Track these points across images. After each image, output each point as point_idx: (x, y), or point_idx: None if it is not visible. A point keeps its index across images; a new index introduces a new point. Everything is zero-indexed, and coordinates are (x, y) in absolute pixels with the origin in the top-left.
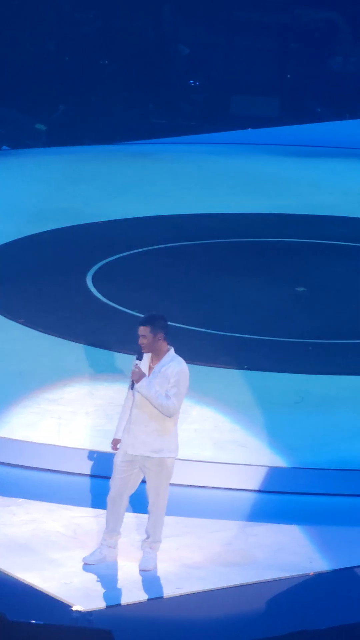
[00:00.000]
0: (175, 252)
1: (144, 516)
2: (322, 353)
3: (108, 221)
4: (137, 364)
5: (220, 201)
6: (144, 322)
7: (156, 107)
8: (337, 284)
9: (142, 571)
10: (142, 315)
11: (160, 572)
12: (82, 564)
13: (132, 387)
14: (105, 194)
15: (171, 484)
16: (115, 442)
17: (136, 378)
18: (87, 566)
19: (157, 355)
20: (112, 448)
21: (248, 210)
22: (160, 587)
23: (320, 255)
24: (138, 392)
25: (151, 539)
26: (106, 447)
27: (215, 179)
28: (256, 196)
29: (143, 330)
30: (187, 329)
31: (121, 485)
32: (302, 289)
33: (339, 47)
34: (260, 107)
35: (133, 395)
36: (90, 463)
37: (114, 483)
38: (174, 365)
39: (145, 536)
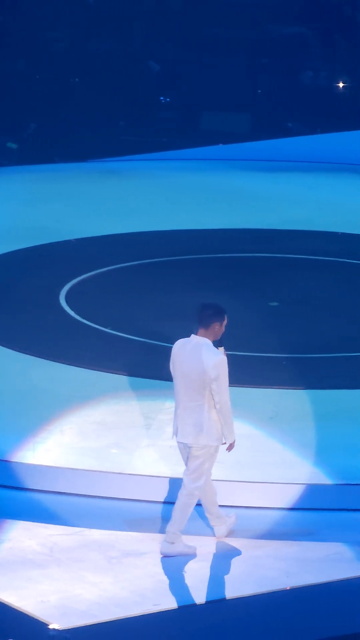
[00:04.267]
0: (147, 268)
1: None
2: (296, 367)
3: (80, 239)
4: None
5: (192, 217)
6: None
7: (127, 125)
8: (310, 298)
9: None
10: (210, 307)
11: (137, 588)
12: (59, 582)
13: None
14: (77, 212)
15: (149, 502)
16: None
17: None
18: (64, 584)
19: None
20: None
21: (220, 226)
22: (137, 604)
23: (293, 270)
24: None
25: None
26: (81, 465)
27: (186, 196)
28: (228, 212)
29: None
30: (161, 345)
31: None
32: (275, 303)
33: (310, 62)
34: (231, 123)
35: None
36: (66, 481)
37: None
38: None
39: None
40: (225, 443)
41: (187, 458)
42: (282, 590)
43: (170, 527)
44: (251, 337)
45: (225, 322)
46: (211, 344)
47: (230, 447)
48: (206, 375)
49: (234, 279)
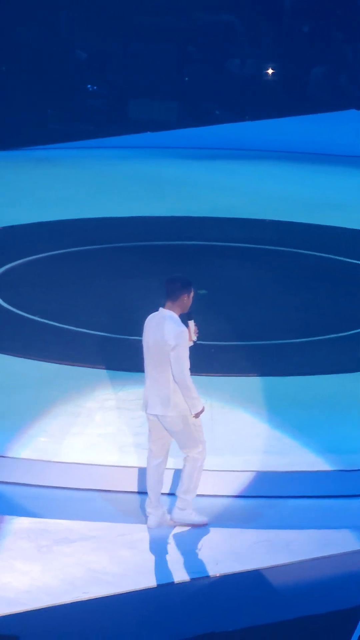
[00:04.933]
0: (77, 256)
1: None
2: (225, 355)
3: (8, 227)
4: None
5: (120, 205)
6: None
7: (54, 113)
8: (238, 285)
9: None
10: (178, 279)
11: (67, 576)
12: None
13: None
14: (5, 200)
15: (76, 489)
16: None
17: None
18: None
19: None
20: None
21: (149, 213)
22: (67, 592)
23: (222, 258)
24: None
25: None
26: (9, 453)
27: (115, 183)
28: (156, 199)
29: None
30: (91, 333)
31: None
32: (203, 291)
33: (237, 50)
34: (159, 111)
35: None
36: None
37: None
38: None
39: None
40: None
41: (157, 431)
42: (212, 577)
43: (180, 493)
44: None
45: (192, 293)
46: (176, 316)
47: (197, 416)
48: (167, 346)
49: (163, 267)
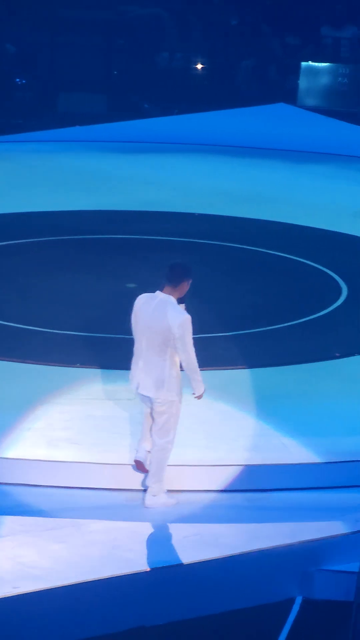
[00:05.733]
0: (4, 251)
1: None
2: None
3: None
4: None
5: (49, 199)
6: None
7: None
8: None
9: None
10: (181, 266)
11: None
12: None
13: None
14: None
15: (4, 484)
16: None
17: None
18: None
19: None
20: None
21: (77, 207)
22: None
23: (150, 251)
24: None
25: None
26: None
27: (43, 177)
28: (85, 193)
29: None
30: (21, 328)
31: None
32: (132, 285)
33: (165, 43)
34: (88, 104)
35: None
36: None
37: None
38: None
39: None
40: (194, 394)
41: (150, 409)
42: (142, 572)
43: (149, 481)
44: (109, 319)
45: (190, 280)
46: (176, 302)
47: (199, 397)
48: (170, 333)
49: (91, 261)
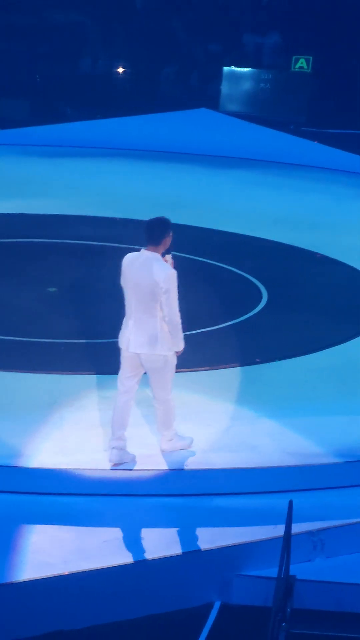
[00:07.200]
0: None
1: None
2: (74, 353)
3: None
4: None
5: None
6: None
7: None
8: (87, 283)
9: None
10: (157, 223)
11: None
12: None
13: None
14: None
15: None
16: None
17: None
18: None
19: None
20: None
21: None
22: None
23: (71, 256)
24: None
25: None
26: None
27: None
28: (6, 197)
29: None
30: None
31: None
32: (53, 289)
33: (88, 49)
34: (10, 109)
35: None
36: None
37: None
38: None
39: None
40: (175, 350)
41: (134, 368)
42: (60, 576)
43: (161, 429)
44: (29, 323)
45: (171, 233)
46: (161, 258)
47: (179, 353)
48: (158, 288)
49: (11, 265)
